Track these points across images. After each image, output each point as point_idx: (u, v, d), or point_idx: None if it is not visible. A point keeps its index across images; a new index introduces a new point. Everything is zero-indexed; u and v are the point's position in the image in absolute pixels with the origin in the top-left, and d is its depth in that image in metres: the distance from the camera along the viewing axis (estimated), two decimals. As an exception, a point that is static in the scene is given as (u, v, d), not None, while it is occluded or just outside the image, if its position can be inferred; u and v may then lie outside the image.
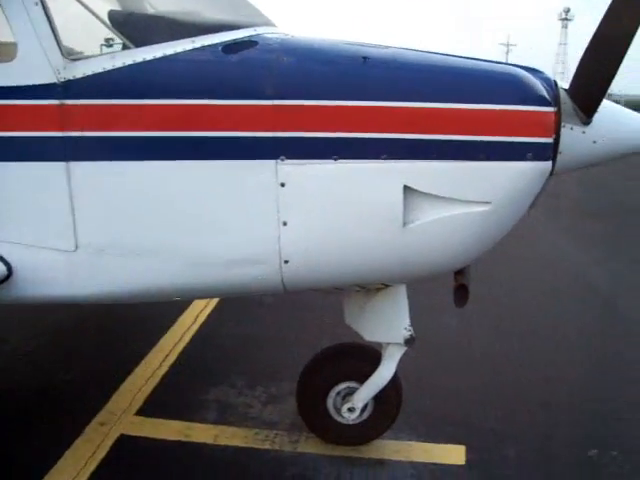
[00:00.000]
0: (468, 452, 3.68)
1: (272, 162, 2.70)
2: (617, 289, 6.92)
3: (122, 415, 3.89)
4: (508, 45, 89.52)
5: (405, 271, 2.95)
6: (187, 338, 5.06)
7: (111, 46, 4.31)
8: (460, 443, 3.76)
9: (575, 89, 2.79)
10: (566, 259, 8.11)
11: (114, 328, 5.19)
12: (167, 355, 4.73)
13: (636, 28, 2.56)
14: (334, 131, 2.68)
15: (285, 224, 2.76)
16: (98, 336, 5.11)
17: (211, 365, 4.66)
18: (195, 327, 5.27)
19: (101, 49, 4.23)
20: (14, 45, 2.78)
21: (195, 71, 2.78)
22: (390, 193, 2.71)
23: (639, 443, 3.88)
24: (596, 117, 2.80)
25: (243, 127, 2.69)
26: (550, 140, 2.72)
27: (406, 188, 2.71)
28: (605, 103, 2.82)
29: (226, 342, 5.08)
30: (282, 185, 2.72)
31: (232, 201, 2.78)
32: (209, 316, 5.50)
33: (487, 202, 2.75)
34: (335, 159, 2.69)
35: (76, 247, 2.87)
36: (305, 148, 2.69)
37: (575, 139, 2.82)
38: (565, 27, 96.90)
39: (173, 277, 2.88)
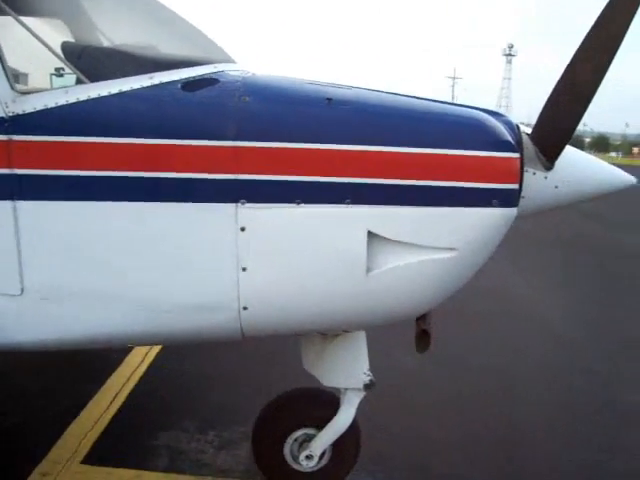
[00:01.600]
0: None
1: (232, 205, 2.61)
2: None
3: (67, 464, 3.67)
4: (454, 78, 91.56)
5: (368, 318, 2.88)
6: (136, 378, 4.86)
7: (62, 76, 4.17)
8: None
9: (538, 134, 2.79)
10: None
11: (58, 367, 4.93)
12: (115, 396, 4.52)
13: (602, 76, 2.57)
14: (297, 174, 2.60)
15: (244, 269, 2.66)
16: (40, 376, 4.84)
17: (161, 407, 4.47)
18: (144, 366, 5.07)
19: (51, 79, 4.08)
20: None
21: (152, 109, 2.66)
22: (354, 239, 2.65)
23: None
24: (557, 162, 2.80)
25: (202, 169, 2.59)
26: (515, 186, 2.71)
27: (370, 234, 2.65)
28: (567, 149, 2.83)
29: (176, 382, 4.90)
30: (242, 229, 2.62)
31: (189, 245, 2.66)
32: (158, 354, 5.31)
33: (452, 248, 2.71)
34: (298, 203, 2.61)
35: (22, 291, 2.70)
36: (267, 191, 2.61)
37: (537, 184, 2.83)
38: (509, 62, 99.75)
39: (126, 324, 2.73)
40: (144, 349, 5.32)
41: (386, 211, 2.65)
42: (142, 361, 5.15)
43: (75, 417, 4.19)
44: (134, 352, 5.27)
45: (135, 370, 4.99)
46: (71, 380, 4.84)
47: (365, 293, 2.73)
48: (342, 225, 2.64)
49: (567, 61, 2.69)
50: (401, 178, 2.63)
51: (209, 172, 2.59)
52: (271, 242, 2.65)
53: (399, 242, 2.68)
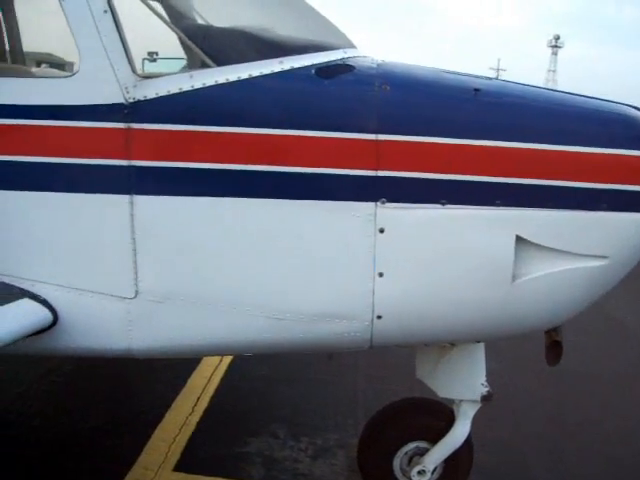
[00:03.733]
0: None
1: (371, 205, 2.38)
2: None
3: (159, 471, 3.50)
4: (498, 70, 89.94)
5: (507, 328, 2.65)
6: (216, 379, 4.67)
7: (154, 61, 3.96)
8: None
9: None
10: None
11: (135, 368, 4.74)
12: (198, 399, 4.34)
13: None
14: (443, 172, 2.37)
15: (381, 275, 2.43)
16: (118, 378, 4.67)
17: (246, 411, 4.28)
18: (223, 366, 4.87)
19: (143, 64, 3.87)
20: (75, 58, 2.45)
21: (286, 96, 2.44)
22: (501, 244, 2.41)
23: None
24: None
25: (340, 164, 2.36)
26: None
27: (518, 239, 2.42)
28: None
29: (258, 384, 4.69)
30: (381, 231, 2.39)
31: (322, 247, 2.44)
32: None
33: (604, 256, 2.48)
34: (443, 204, 2.38)
35: (136, 294, 2.51)
36: (410, 190, 2.38)
37: None
38: (555, 54, 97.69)
39: (249, 332, 2.52)
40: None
41: (537, 214, 2.41)
42: (221, 360, 4.95)
43: (160, 421, 4.01)
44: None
45: (215, 370, 4.80)
46: (149, 382, 4.64)
47: (508, 302, 2.49)
48: (490, 229, 2.40)
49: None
50: (555, 179, 2.40)
51: (348, 168, 2.36)
52: (412, 246, 2.42)
53: (548, 248, 2.45)
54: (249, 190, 2.39)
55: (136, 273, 2.48)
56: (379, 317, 2.47)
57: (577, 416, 4.47)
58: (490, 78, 2.70)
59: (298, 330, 2.52)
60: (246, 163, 2.37)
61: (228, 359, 4.98)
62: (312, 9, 2.93)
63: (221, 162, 2.38)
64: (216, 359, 4.95)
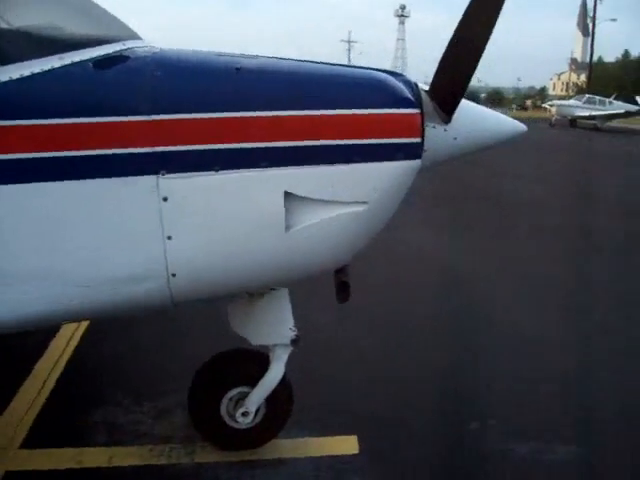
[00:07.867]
0: (360, 441, 3.83)
1: (153, 177, 2.70)
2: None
3: (4, 451, 3.68)
4: (350, 42, 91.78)
5: (290, 274, 3.04)
6: (63, 362, 4.83)
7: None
8: (351, 434, 3.91)
9: (435, 90, 2.99)
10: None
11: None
12: (44, 382, 4.50)
13: (490, 31, 2.78)
14: (213, 143, 2.72)
15: (170, 238, 2.77)
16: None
17: (92, 386, 4.52)
18: (70, 349, 5.04)
19: None
20: None
21: (67, 89, 2.71)
22: (271, 200, 2.79)
23: (511, 411, 4.28)
24: (455, 116, 3.01)
25: (121, 144, 2.67)
26: (418, 140, 2.91)
27: (287, 194, 2.80)
28: (463, 102, 3.04)
29: (105, 361, 4.94)
30: (165, 199, 2.72)
31: (115, 219, 2.74)
32: (82, 337, 5.28)
33: (364, 202, 2.90)
34: (216, 170, 2.73)
35: None
36: (185, 161, 2.72)
37: (437, 137, 3.03)
38: (402, 23, 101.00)
39: (56, 302, 2.79)
40: (68, 332, 5.30)
41: (301, 171, 2.80)
42: (67, 344, 5.12)
43: (6, 407, 4.14)
44: (58, 335, 5.25)
45: (62, 354, 4.96)
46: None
47: (285, 250, 2.88)
48: (260, 187, 2.78)
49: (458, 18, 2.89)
50: (312, 139, 2.79)
51: (128, 147, 2.67)
52: (193, 209, 2.76)
53: (314, 200, 2.84)
54: (42, 175, 2.64)
55: None
56: (174, 275, 2.81)
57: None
58: (257, 56, 3.06)
59: (106, 295, 2.82)
60: (35, 151, 2.63)
61: (75, 341, 5.16)
62: (95, 5, 3.20)
63: (12, 152, 2.62)
64: (62, 342, 5.11)
